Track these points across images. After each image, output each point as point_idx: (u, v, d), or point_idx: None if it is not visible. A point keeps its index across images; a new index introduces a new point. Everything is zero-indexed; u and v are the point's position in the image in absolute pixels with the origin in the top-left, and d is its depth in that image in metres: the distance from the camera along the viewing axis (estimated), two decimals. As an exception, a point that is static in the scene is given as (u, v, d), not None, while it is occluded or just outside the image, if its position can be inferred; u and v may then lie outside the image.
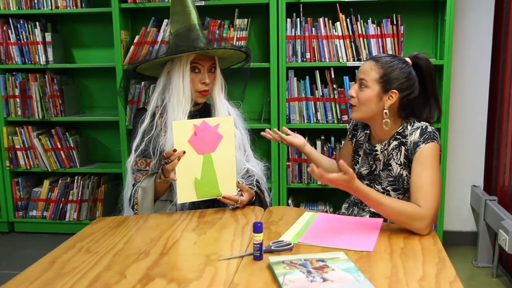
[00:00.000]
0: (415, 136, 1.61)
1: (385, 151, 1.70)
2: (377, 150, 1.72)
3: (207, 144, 1.71)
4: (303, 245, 1.44)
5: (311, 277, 1.18)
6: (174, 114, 1.86)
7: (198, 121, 1.70)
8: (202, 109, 1.98)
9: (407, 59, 1.70)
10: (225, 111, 1.94)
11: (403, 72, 1.64)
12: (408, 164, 1.65)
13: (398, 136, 1.68)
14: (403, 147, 1.66)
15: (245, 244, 1.46)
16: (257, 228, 1.31)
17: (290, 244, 1.40)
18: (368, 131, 1.82)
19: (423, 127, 1.63)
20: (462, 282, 1.20)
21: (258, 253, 1.32)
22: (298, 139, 1.95)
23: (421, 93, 1.70)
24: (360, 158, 1.83)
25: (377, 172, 1.74)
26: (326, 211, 3.00)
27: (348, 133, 1.90)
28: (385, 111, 1.65)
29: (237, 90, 2.10)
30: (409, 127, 1.66)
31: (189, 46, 1.84)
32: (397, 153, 1.68)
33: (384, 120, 1.66)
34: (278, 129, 2.89)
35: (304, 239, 1.48)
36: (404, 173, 1.67)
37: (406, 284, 1.18)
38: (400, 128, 1.69)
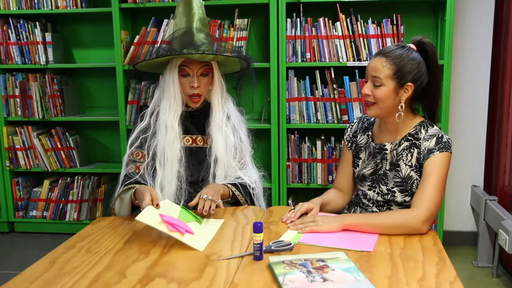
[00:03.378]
0: (431, 143, 1.62)
1: (395, 151, 1.70)
2: (386, 149, 1.71)
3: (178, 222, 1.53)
4: (303, 245, 1.44)
5: (311, 277, 1.18)
6: (166, 117, 1.87)
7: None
8: (202, 109, 1.97)
9: (412, 46, 1.66)
10: (221, 117, 1.92)
11: (414, 62, 1.62)
12: (419, 168, 1.65)
13: (410, 138, 1.68)
14: (415, 150, 1.66)
15: (245, 244, 1.46)
16: (257, 228, 1.31)
17: (290, 244, 1.40)
18: (370, 132, 1.80)
19: (439, 135, 1.63)
20: (462, 282, 1.20)
21: (258, 253, 1.33)
22: (308, 204, 1.72)
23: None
24: (361, 160, 1.81)
25: (382, 172, 1.72)
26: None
27: (346, 143, 1.86)
28: (401, 104, 1.64)
29: (244, 97, 2.10)
30: (422, 131, 1.67)
31: (174, 50, 1.83)
32: (407, 154, 1.67)
33: (397, 113, 1.64)
34: (278, 129, 2.89)
35: (304, 239, 1.48)
36: (415, 176, 1.66)
37: (406, 284, 1.18)
38: (412, 129, 1.68)
